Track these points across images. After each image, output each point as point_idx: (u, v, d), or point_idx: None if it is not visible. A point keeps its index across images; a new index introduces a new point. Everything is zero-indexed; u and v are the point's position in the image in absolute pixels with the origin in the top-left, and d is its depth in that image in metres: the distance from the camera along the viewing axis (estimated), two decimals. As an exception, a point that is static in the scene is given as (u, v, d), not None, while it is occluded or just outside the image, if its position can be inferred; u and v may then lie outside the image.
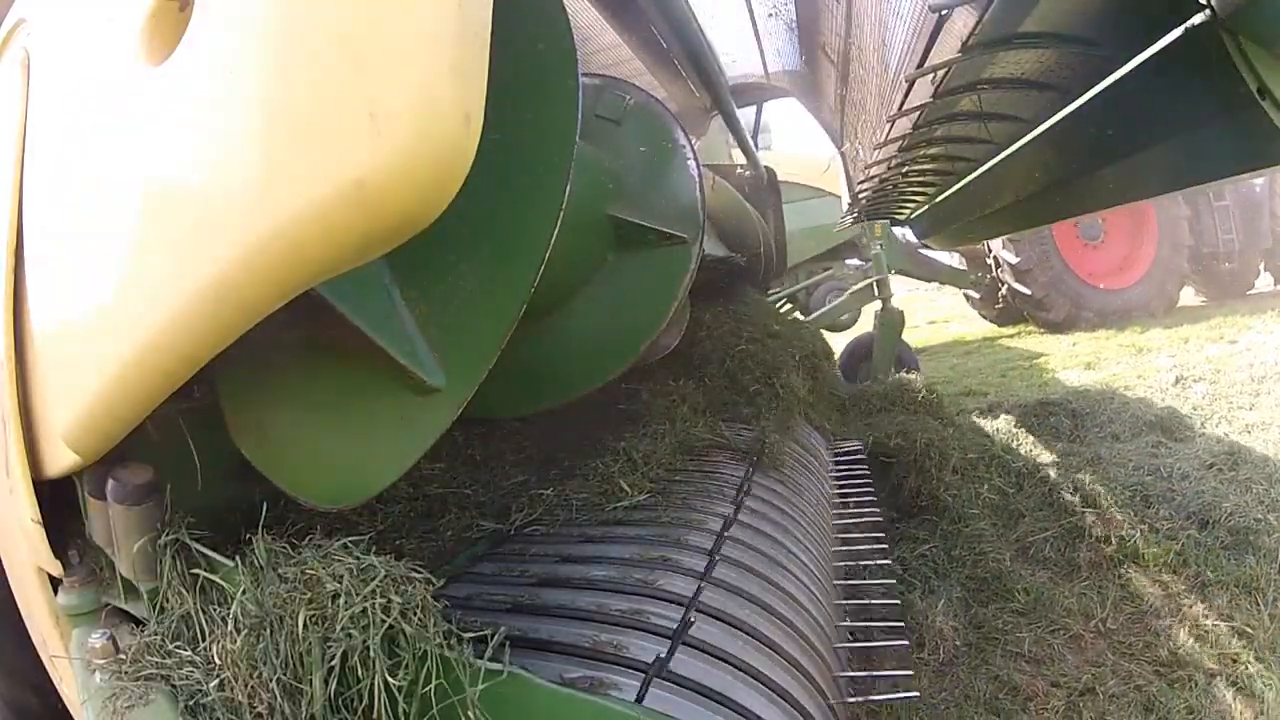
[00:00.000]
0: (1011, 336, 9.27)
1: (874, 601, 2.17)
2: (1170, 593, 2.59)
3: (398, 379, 1.15)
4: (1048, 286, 8.68)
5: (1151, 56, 1.78)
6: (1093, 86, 2.15)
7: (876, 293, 5.70)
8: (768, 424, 2.75)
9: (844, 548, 2.46)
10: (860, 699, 1.70)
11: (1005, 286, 9.09)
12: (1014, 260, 8.67)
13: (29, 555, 1.25)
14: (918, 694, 1.96)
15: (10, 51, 1.28)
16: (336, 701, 0.92)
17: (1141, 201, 7.03)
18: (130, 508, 1.07)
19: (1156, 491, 3.22)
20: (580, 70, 1.32)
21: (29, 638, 1.43)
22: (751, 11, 3.91)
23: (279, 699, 0.91)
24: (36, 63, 1.19)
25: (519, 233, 1.27)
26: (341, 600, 0.95)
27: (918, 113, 2.59)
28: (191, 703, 0.95)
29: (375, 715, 0.92)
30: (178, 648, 1.01)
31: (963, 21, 1.83)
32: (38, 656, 1.41)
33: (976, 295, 9.70)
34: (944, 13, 1.72)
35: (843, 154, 5.06)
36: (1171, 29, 1.63)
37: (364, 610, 0.94)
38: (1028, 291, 8.74)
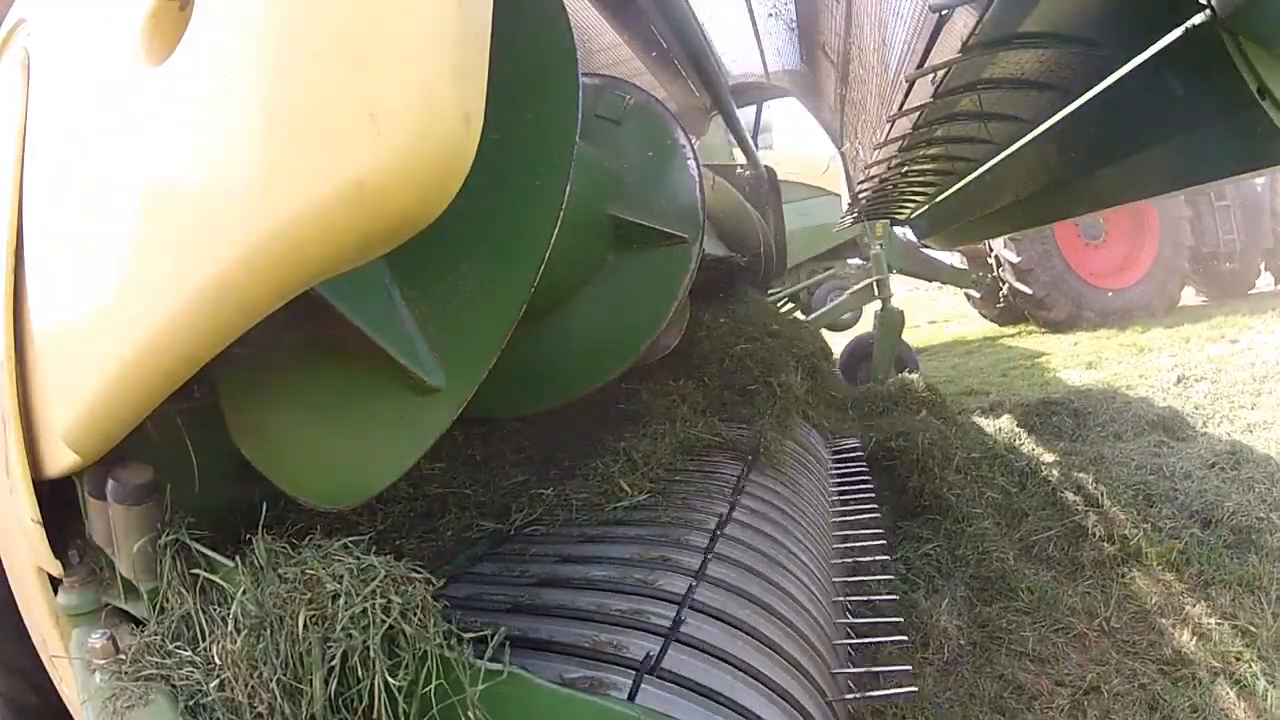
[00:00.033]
0: (1012, 336, 9.26)
1: (872, 598, 2.17)
2: (1173, 592, 2.58)
3: (398, 379, 1.15)
4: (1049, 286, 8.68)
5: (1151, 57, 1.79)
6: (1093, 86, 2.15)
7: (876, 292, 5.69)
8: (765, 423, 2.75)
9: (842, 544, 2.45)
10: (859, 696, 1.69)
11: (1006, 286, 9.10)
12: (1015, 260, 8.67)
13: (29, 555, 1.25)
14: (915, 689, 1.96)
15: (10, 51, 1.28)
16: (336, 702, 0.92)
17: (1142, 201, 7.03)
18: (130, 508, 1.07)
19: (1159, 490, 3.21)
20: (580, 70, 1.32)
21: (29, 638, 1.43)
22: (751, 11, 3.91)
23: (279, 699, 0.91)
24: (36, 63, 1.19)
25: (519, 233, 1.27)
26: (341, 600, 0.94)
27: (918, 113, 2.59)
28: (191, 703, 0.95)
29: (375, 715, 0.92)
30: (178, 648, 1.01)
31: (963, 21, 1.83)
32: (38, 656, 1.41)
33: (977, 295, 9.70)
34: (944, 13, 1.72)
35: (843, 154, 5.06)
36: (1171, 29, 1.63)
37: (364, 610, 0.94)
38: (1029, 291, 8.74)
